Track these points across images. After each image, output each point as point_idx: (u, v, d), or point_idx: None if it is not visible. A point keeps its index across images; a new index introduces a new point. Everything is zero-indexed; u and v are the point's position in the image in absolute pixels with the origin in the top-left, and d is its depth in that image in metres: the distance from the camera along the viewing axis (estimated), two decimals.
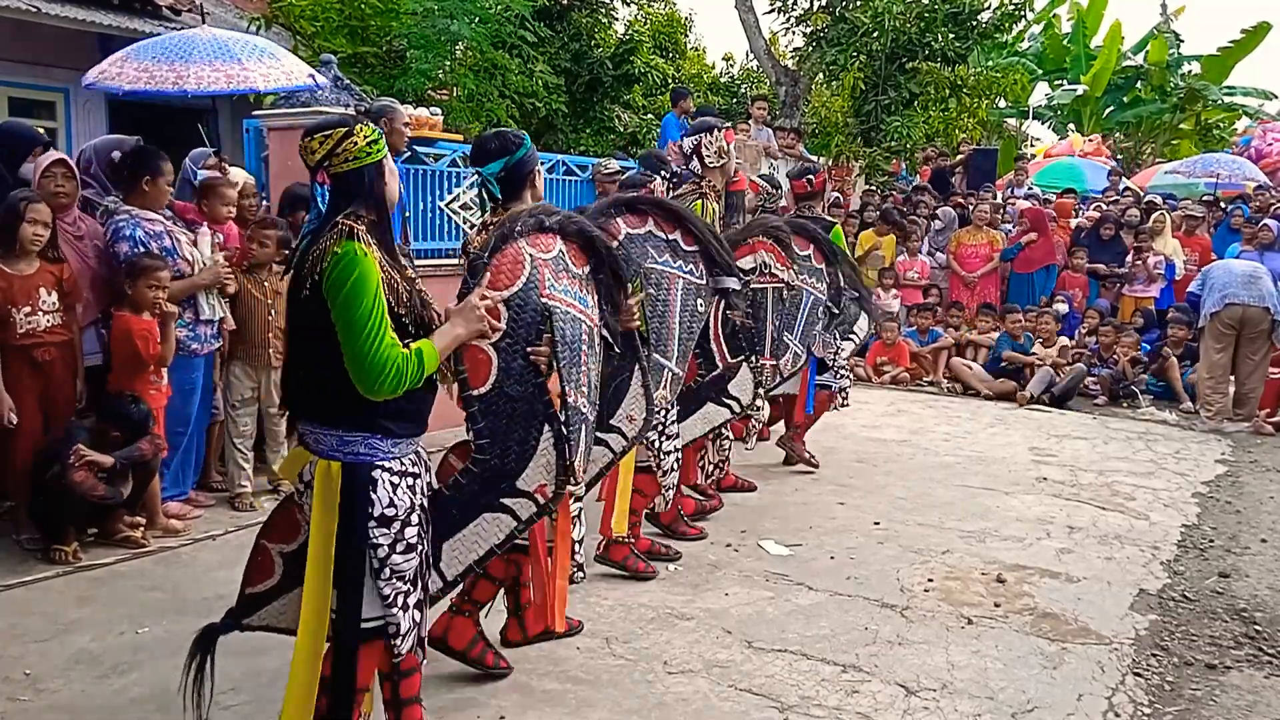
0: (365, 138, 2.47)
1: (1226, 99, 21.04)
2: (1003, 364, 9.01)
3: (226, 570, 4.22)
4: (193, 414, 4.82)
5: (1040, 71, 21.92)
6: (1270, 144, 15.96)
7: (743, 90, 19.03)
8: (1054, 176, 14.50)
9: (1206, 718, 3.30)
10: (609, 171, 6.79)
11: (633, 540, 4.31)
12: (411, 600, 2.50)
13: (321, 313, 2.37)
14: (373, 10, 9.69)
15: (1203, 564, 4.74)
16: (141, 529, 4.48)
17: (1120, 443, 7.27)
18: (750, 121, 11.24)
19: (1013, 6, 14.46)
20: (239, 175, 5.54)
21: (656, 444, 4.04)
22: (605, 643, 3.63)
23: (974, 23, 14.06)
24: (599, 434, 3.21)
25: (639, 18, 17.23)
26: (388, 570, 2.44)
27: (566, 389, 2.87)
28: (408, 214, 6.17)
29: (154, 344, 4.44)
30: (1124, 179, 13.88)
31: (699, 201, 4.74)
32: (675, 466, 4.08)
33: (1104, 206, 11.50)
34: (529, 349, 2.81)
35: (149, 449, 4.37)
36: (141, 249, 4.49)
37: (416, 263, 5.90)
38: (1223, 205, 12.24)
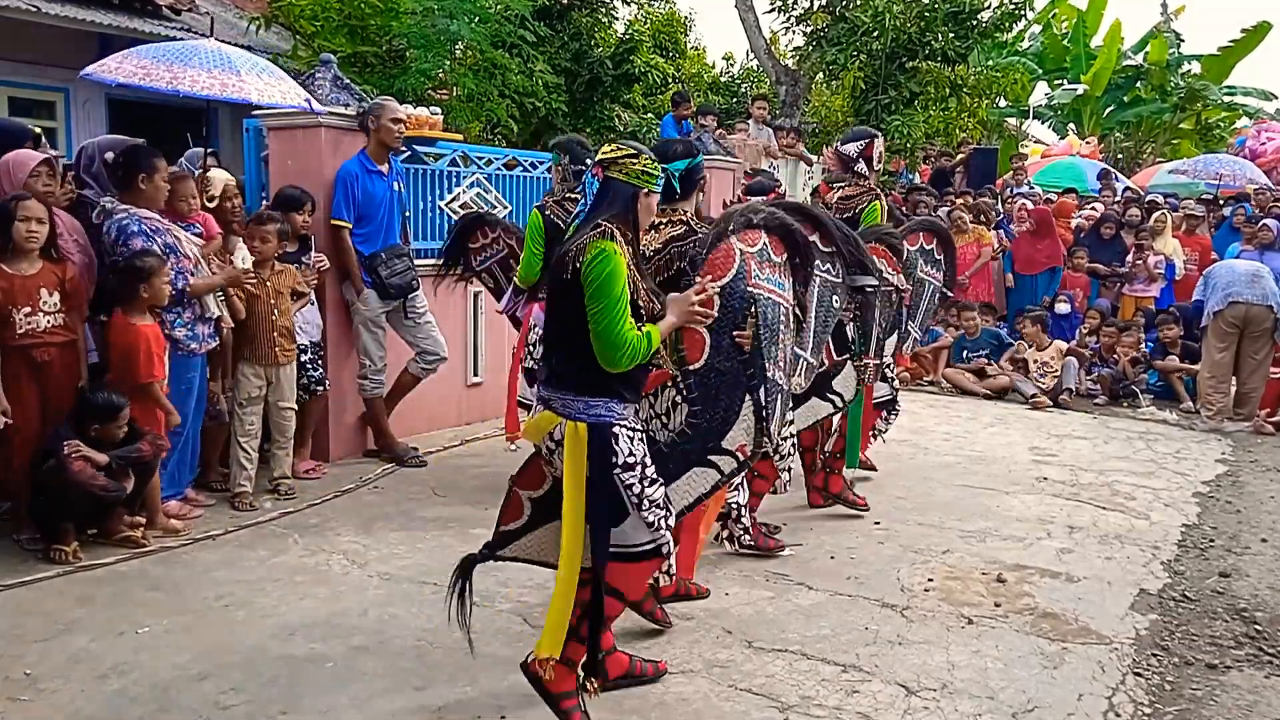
0: (644, 166, 3.01)
1: (1226, 99, 21.06)
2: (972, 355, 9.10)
3: (226, 570, 4.23)
4: (189, 413, 4.82)
5: (1040, 71, 21.92)
6: (1265, 143, 15.98)
7: (743, 90, 19.03)
8: (1054, 176, 14.50)
9: (1207, 718, 3.30)
10: None
11: (751, 520, 4.56)
12: (671, 522, 3.09)
13: (578, 298, 2.84)
14: (373, 10, 9.68)
15: (1203, 564, 4.74)
16: (141, 529, 4.48)
17: (1120, 442, 7.27)
18: (750, 121, 11.23)
19: (1013, 6, 14.46)
20: (220, 177, 5.53)
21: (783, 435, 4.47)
22: None
23: (974, 22, 14.06)
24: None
25: (639, 17, 17.24)
26: (646, 502, 2.98)
27: (766, 364, 3.33)
28: (408, 214, 6.17)
29: (161, 344, 4.45)
30: (1117, 178, 13.86)
31: (875, 203, 5.24)
32: (793, 450, 4.23)
33: (1098, 206, 11.50)
34: (735, 331, 3.25)
35: (149, 449, 4.37)
36: (154, 246, 4.50)
37: (417, 262, 5.97)
38: (1220, 202, 12.25)
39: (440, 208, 6.65)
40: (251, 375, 5.07)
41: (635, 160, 2.99)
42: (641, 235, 3.22)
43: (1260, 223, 9.46)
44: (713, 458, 3.30)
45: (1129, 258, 10.26)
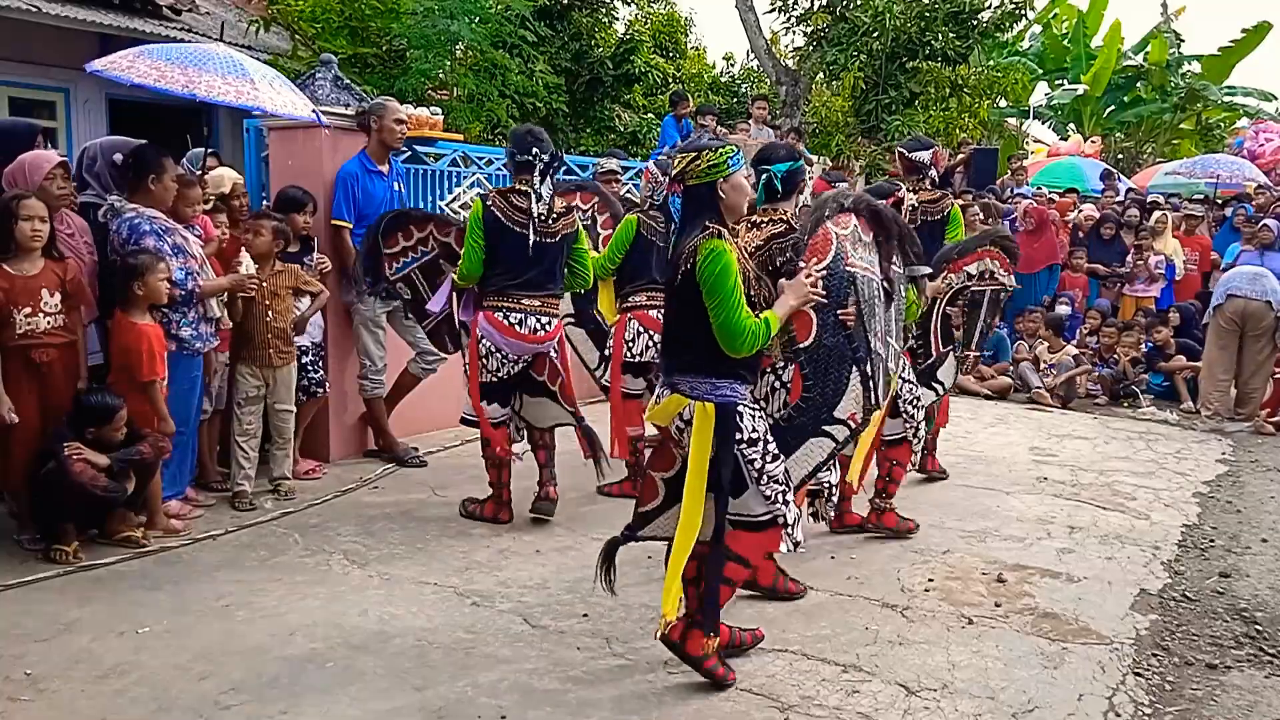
0: (708, 161, 3.23)
1: (1226, 99, 21.04)
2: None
3: (227, 570, 4.23)
4: (191, 413, 4.82)
5: (1040, 71, 21.92)
6: (1263, 144, 15.99)
7: (743, 90, 19.00)
8: (1054, 176, 14.49)
9: (1207, 718, 3.30)
10: (605, 170, 6.83)
11: (888, 506, 4.96)
12: (789, 496, 3.34)
13: (695, 294, 3.13)
14: (373, 11, 9.69)
15: (1203, 564, 4.74)
16: (142, 529, 4.48)
17: (1121, 443, 7.27)
18: (750, 121, 11.23)
19: (1013, 6, 14.45)
20: (229, 175, 5.53)
21: (911, 413, 4.89)
22: (605, 643, 3.63)
23: (974, 22, 14.04)
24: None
25: (639, 17, 17.22)
26: (765, 477, 3.28)
27: (870, 338, 3.66)
28: None
29: (162, 343, 4.45)
30: (1119, 179, 13.85)
31: (955, 206, 5.52)
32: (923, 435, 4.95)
33: (1087, 206, 11.50)
34: (838, 309, 3.54)
35: (150, 450, 4.36)
36: (165, 246, 4.50)
37: None
38: (1218, 202, 12.24)
39: (441, 208, 6.65)
40: (249, 375, 5.07)
41: (699, 160, 3.24)
42: (744, 226, 3.58)
43: (1260, 223, 9.46)
44: (827, 428, 3.61)
45: (1129, 258, 10.26)
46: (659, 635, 3.24)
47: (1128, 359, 8.81)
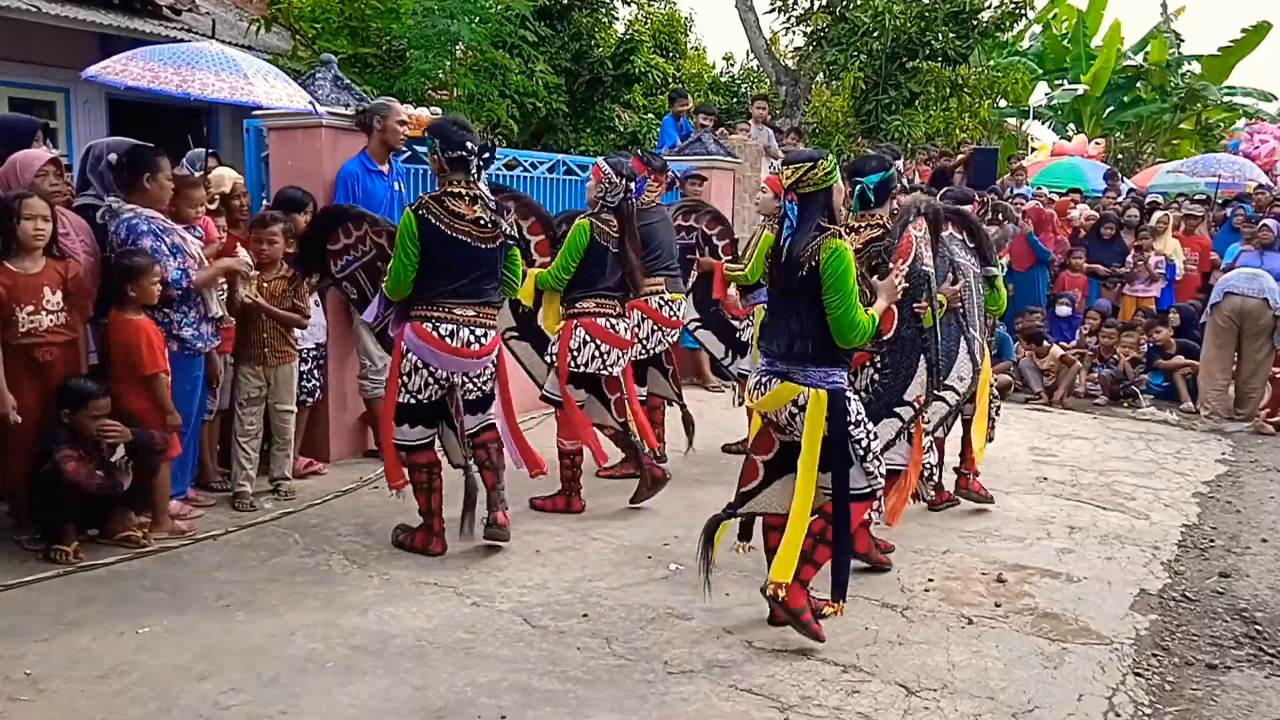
0: (823, 170, 3.56)
1: (1226, 99, 21.04)
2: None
3: (227, 570, 4.23)
4: (193, 413, 4.82)
5: (1040, 71, 21.92)
6: (1258, 146, 16.00)
7: (743, 90, 19.00)
8: (1055, 176, 14.49)
9: (1207, 718, 3.30)
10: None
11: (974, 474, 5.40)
12: (883, 469, 3.76)
13: (814, 290, 3.46)
14: (373, 11, 9.68)
15: (1203, 564, 4.74)
16: (143, 529, 4.47)
17: (1120, 443, 7.27)
18: (750, 121, 11.22)
19: (1013, 6, 14.45)
20: (229, 175, 5.52)
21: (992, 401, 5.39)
22: (605, 643, 3.63)
23: (974, 22, 14.05)
24: (937, 392, 4.41)
25: (639, 17, 17.21)
26: (870, 455, 3.65)
27: (964, 324, 4.48)
28: None
29: (160, 336, 4.44)
30: (1122, 179, 13.85)
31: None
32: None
33: (1099, 208, 11.50)
34: (914, 304, 4.02)
35: (159, 438, 4.36)
36: (163, 245, 4.50)
37: None
38: (1218, 202, 12.23)
39: None
40: (251, 376, 5.06)
41: (815, 169, 3.57)
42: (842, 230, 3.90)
43: (1260, 223, 9.46)
44: (897, 409, 4.18)
45: (1129, 258, 10.26)
46: (769, 594, 3.55)
47: (1127, 359, 8.81)
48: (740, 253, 6.29)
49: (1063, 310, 9.79)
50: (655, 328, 5.67)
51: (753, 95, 15.18)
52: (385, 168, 5.73)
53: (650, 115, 13.83)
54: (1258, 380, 8.01)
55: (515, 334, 5.36)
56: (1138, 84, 21.33)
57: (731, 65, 20.93)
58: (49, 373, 4.28)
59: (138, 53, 5.04)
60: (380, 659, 3.45)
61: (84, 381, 4.29)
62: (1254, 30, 20.26)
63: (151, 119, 8.70)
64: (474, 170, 4.23)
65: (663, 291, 5.64)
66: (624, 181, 4.97)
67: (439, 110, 6.73)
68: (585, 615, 3.86)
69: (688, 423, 5.85)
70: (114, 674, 3.29)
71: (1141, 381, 8.75)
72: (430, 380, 4.31)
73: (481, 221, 4.22)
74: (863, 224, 4.14)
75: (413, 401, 4.34)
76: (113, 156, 4.66)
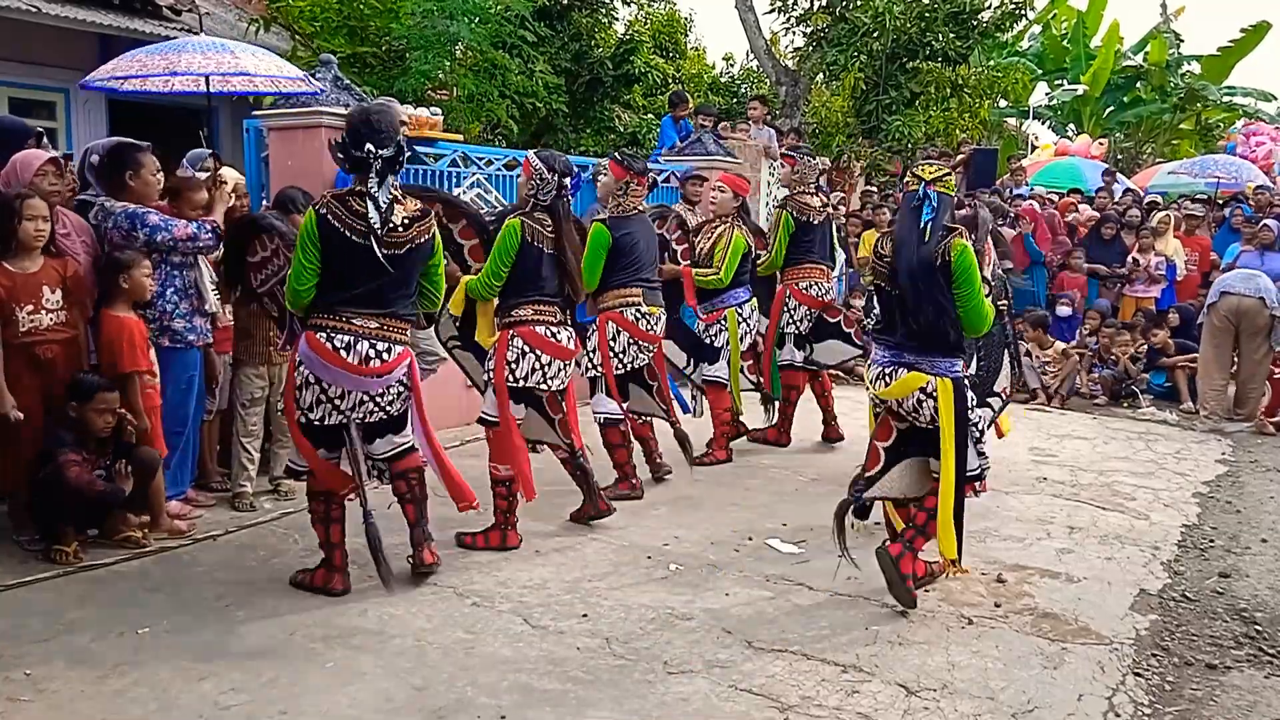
0: (953, 180, 4.05)
1: (1226, 99, 21.06)
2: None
3: (226, 570, 4.23)
4: (190, 412, 4.82)
5: (1040, 71, 21.92)
6: (1255, 148, 16.01)
7: (743, 90, 19.01)
8: (1054, 176, 14.50)
9: (1207, 718, 3.30)
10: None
11: None
12: (988, 452, 4.23)
13: (944, 284, 3.80)
14: (372, 11, 9.68)
15: (1203, 564, 4.74)
16: (144, 529, 4.47)
17: (1120, 443, 7.27)
18: (749, 121, 11.22)
19: (1013, 6, 14.45)
20: (229, 175, 5.52)
21: None
22: (605, 643, 3.63)
23: (974, 22, 14.05)
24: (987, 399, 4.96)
25: (639, 18, 17.23)
26: (982, 439, 4.15)
27: (1010, 337, 5.13)
28: None
29: (144, 336, 4.44)
30: (1117, 178, 13.85)
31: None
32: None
33: (1096, 208, 11.51)
34: (998, 303, 4.45)
35: (153, 455, 4.38)
36: (165, 232, 4.50)
37: None
38: (1219, 202, 12.24)
39: None
40: (253, 376, 5.06)
41: (950, 177, 4.01)
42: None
43: (1260, 223, 9.47)
44: (989, 400, 4.74)
45: (1130, 258, 10.26)
46: (936, 572, 4.15)
47: (1126, 357, 8.81)
48: (698, 255, 6.04)
49: (1063, 310, 9.79)
50: (631, 341, 5.24)
51: (750, 96, 15.18)
52: None
53: (650, 115, 13.84)
54: (1257, 380, 8.00)
55: (459, 344, 4.90)
56: (1137, 84, 21.36)
57: (731, 66, 20.95)
58: (50, 372, 4.29)
59: (126, 55, 5.08)
60: (380, 659, 3.45)
61: (93, 377, 4.31)
62: (1254, 30, 20.28)
63: (151, 119, 8.70)
64: (375, 174, 3.76)
65: (639, 304, 5.21)
66: (556, 177, 4.54)
67: (438, 111, 6.73)
68: (585, 615, 3.86)
69: (681, 440, 5.43)
70: (114, 674, 3.29)
71: (1142, 381, 8.75)
72: (323, 398, 3.82)
73: (380, 226, 3.76)
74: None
75: (303, 421, 3.88)
76: (94, 157, 4.67)
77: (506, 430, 4.53)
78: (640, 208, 5.37)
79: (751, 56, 17.63)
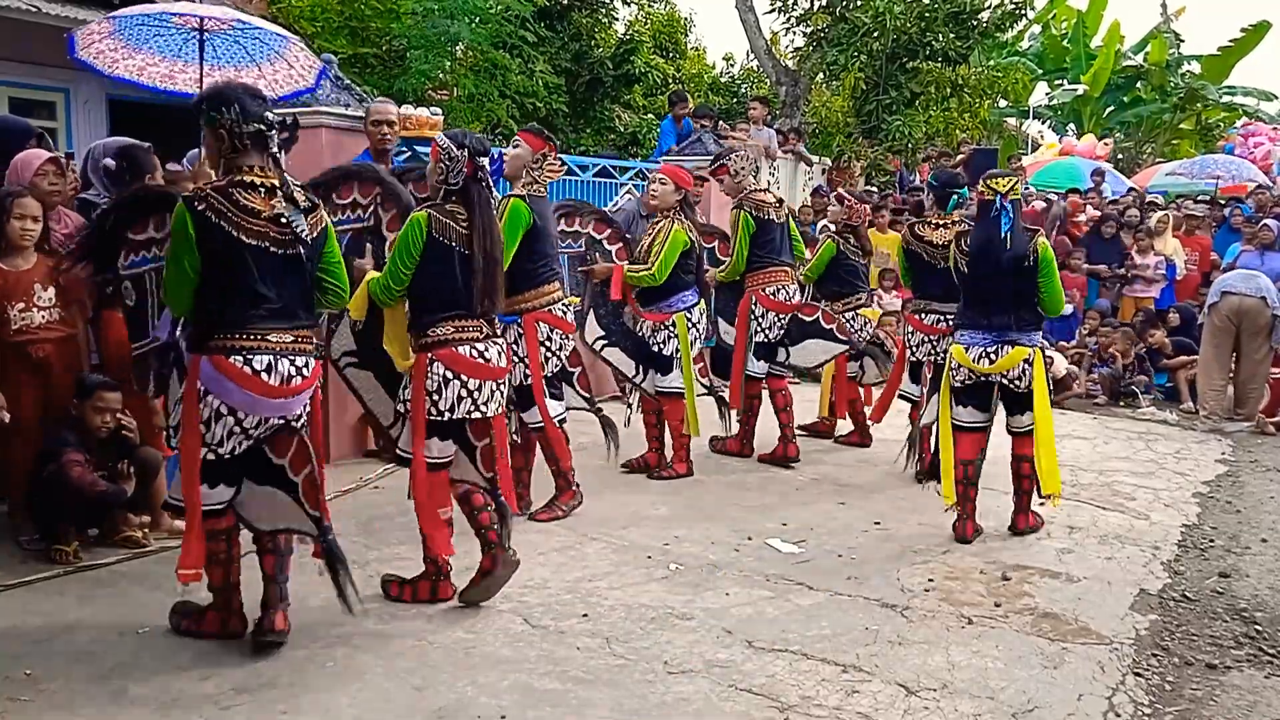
0: (1019, 188, 4.75)
1: (1226, 99, 21.06)
2: None
3: None
4: None
5: (1040, 71, 21.93)
6: (1253, 149, 16.01)
7: (743, 90, 19.03)
8: (1052, 176, 14.49)
9: (1207, 718, 3.30)
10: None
11: None
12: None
13: (1032, 275, 4.66)
14: (373, 11, 9.70)
15: (1203, 564, 4.74)
16: (144, 530, 4.47)
17: (1120, 443, 7.27)
18: (749, 122, 11.22)
19: (1013, 6, 14.47)
20: None
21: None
22: (605, 643, 3.63)
23: (974, 22, 14.07)
24: None
25: (639, 18, 17.24)
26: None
27: None
28: None
29: None
30: (1106, 178, 13.84)
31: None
32: None
33: (1094, 208, 11.51)
34: None
35: (156, 456, 4.37)
36: None
37: None
38: (1220, 202, 12.24)
39: None
40: None
41: (1016, 184, 4.73)
42: (929, 226, 5.63)
43: (1260, 223, 9.47)
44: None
45: (1130, 257, 10.26)
46: (1048, 504, 5.04)
47: (1126, 357, 8.81)
48: (639, 252, 5.58)
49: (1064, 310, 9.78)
50: (567, 337, 4.89)
51: (750, 96, 15.19)
52: (386, 167, 5.72)
53: (650, 115, 13.86)
54: (1257, 381, 8.00)
55: (354, 360, 4.09)
56: (1137, 84, 21.37)
57: (731, 66, 20.98)
58: (47, 372, 4.28)
59: (129, 32, 5.08)
60: (380, 659, 3.45)
61: (95, 376, 4.31)
62: (1254, 30, 20.28)
63: (151, 119, 8.69)
64: (274, 150, 3.28)
65: (563, 297, 4.87)
66: (465, 155, 3.74)
67: (439, 111, 6.73)
68: (585, 615, 3.86)
69: (606, 427, 5.25)
70: (114, 674, 3.29)
71: (1143, 381, 8.75)
72: (237, 429, 3.29)
73: (283, 219, 3.24)
74: (948, 221, 5.51)
75: (212, 457, 3.30)
76: (109, 161, 4.68)
77: (418, 474, 3.83)
78: (544, 190, 4.83)
79: (751, 56, 17.65)
